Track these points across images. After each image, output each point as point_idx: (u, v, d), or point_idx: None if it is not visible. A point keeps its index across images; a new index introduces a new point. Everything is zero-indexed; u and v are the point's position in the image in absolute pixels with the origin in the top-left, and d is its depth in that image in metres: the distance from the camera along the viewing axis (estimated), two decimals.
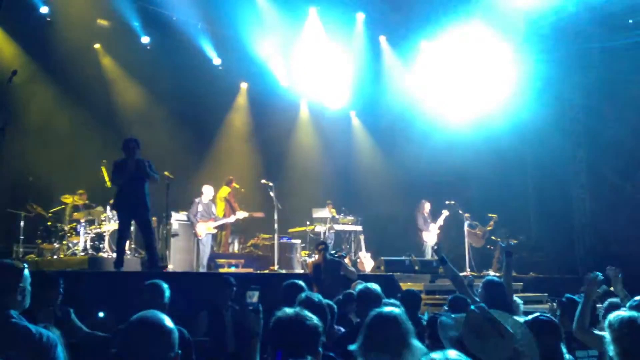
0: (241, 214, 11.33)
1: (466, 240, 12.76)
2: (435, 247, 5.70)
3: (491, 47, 14.31)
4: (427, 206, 13.16)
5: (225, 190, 12.05)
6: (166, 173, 9.17)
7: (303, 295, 4.18)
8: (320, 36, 14.69)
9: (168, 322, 2.27)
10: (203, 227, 10.63)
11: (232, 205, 11.91)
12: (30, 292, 2.97)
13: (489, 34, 13.94)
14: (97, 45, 12.98)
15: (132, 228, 10.13)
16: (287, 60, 15.04)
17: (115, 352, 2.26)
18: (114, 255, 9.75)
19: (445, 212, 12.90)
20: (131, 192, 7.91)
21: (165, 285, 4.46)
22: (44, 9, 11.71)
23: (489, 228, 13.50)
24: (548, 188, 15.01)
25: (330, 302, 4.78)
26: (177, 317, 2.61)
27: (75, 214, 10.66)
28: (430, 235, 12.92)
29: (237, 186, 12.50)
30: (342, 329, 4.83)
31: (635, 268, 11.34)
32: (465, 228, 12.79)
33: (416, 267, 11.23)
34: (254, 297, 3.04)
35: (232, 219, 11.32)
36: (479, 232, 13.46)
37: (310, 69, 15.17)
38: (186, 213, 10.83)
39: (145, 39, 13.08)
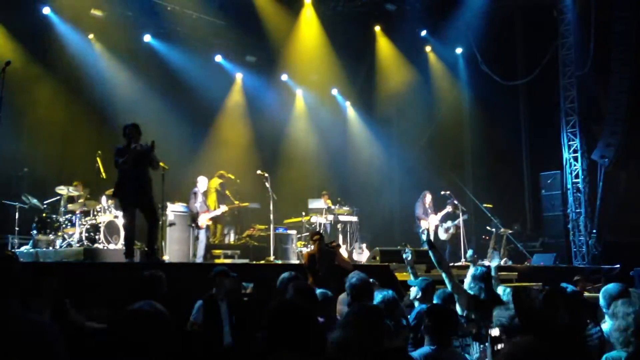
0: (223, 207, 11.32)
1: (461, 230, 12.78)
2: (423, 231, 5.75)
3: None
4: (428, 197, 13.16)
5: (215, 182, 12.05)
6: (161, 164, 9.12)
7: (296, 285, 4.20)
8: (314, 26, 14.67)
9: (165, 311, 2.32)
10: (203, 217, 10.66)
11: (223, 196, 11.92)
12: (26, 283, 2.98)
13: None
14: (91, 36, 12.90)
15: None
16: (283, 51, 15.04)
17: (115, 341, 2.28)
18: (110, 246, 9.77)
19: (448, 208, 12.89)
20: (134, 178, 7.82)
21: (163, 276, 4.49)
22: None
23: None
24: (543, 177, 15.05)
25: (327, 292, 4.81)
26: (173, 307, 2.62)
27: (70, 205, 10.63)
28: (429, 225, 12.91)
29: (232, 177, 12.49)
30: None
31: (630, 256, 11.46)
32: (461, 220, 12.80)
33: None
34: (248, 288, 3.07)
35: (218, 211, 11.30)
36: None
37: (306, 59, 15.16)
38: (182, 204, 10.82)
39: (139, 29, 13.03)
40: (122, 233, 10.03)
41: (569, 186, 13.62)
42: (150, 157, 7.87)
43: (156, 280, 4.41)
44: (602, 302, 4.40)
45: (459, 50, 16.21)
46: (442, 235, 13.26)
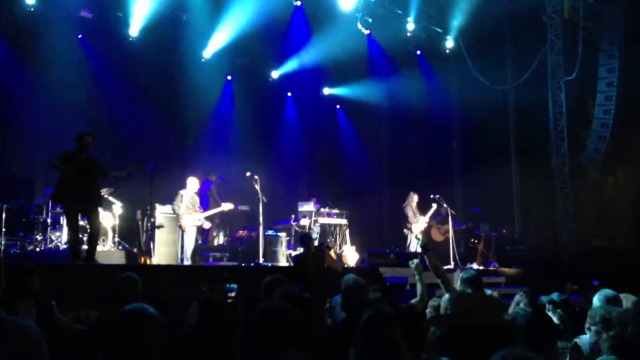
0: (227, 206, 11.24)
1: (451, 234, 12.82)
2: (418, 237, 5.68)
3: None
4: (415, 198, 13.20)
5: (206, 184, 12.02)
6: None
7: (282, 289, 4.19)
8: (304, 27, 14.67)
9: (157, 313, 2.37)
10: (189, 219, 10.57)
11: (214, 197, 11.87)
12: (11, 285, 2.95)
13: None
14: (80, 36, 12.81)
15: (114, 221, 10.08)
16: (273, 52, 15.04)
17: (104, 343, 2.29)
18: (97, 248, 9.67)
19: (435, 206, 12.94)
20: (79, 186, 7.68)
21: (137, 278, 4.48)
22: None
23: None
24: (532, 181, 15.16)
25: (315, 296, 4.80)
26: (161, 309, 2.61)
27: (57, 206, 10.54)
28: (419, 228, 12.92)
29: (213, 178, 12.44)
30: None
31: (616, 262, 11.56)
32: (450, 224, 12.86)
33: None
34: (232, 291, 3.06)
35: (217, 210, 11.22)
36: (439, 227, 13.51)
37: (295, 61, 15.19)
38: (171, 206, 10.75)
39: (129, 30, 12.97)
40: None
41: (557, 190, 13.71)
42: (101, 171, 7.87)
43: (130, 283, 4.41)
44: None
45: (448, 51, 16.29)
46: (438, 237, 13.32)
